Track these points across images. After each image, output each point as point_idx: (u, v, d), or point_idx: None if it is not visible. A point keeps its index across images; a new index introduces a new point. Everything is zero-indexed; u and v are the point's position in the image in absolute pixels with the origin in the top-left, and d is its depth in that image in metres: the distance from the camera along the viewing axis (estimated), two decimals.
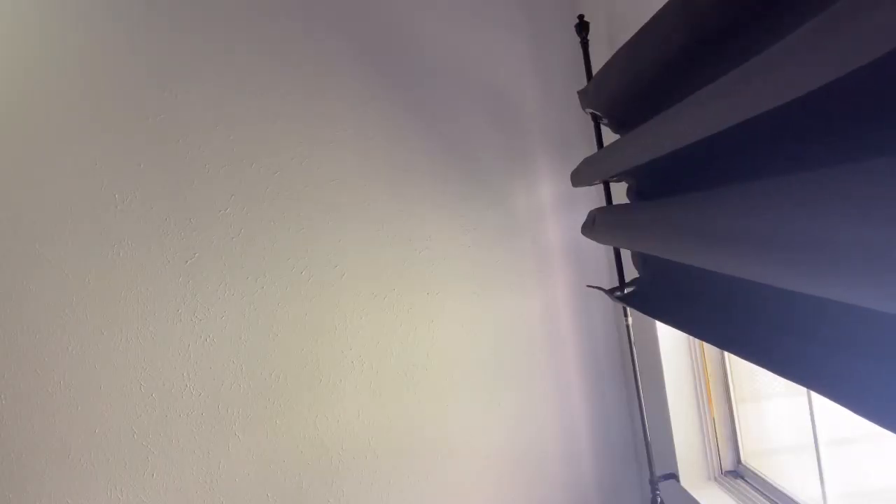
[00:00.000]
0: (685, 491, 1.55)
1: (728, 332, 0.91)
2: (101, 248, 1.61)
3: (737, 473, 1.55)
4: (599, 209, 1.41)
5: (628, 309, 1.56)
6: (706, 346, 1.58)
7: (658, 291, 1.28)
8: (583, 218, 1.54)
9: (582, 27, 1.56)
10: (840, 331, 0.67)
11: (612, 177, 1.36)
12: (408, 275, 1.77)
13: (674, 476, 1.58)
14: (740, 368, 1.54)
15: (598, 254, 1.87)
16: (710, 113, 0.72)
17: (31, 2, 1.59)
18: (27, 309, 1.57)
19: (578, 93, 1.47)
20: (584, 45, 1.58)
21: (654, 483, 1.53)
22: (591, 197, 1.85)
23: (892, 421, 0.54)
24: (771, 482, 1.40)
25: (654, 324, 1.59)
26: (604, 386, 1.87)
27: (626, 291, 1.42)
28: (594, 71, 1.54)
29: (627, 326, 1.57)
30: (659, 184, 1.18)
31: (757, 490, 1.44)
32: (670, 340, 1.59)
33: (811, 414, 1.19)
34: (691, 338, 1.60)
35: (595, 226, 1.38)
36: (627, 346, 1.60)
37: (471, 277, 1.80)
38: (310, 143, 1.72)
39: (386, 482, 1.74)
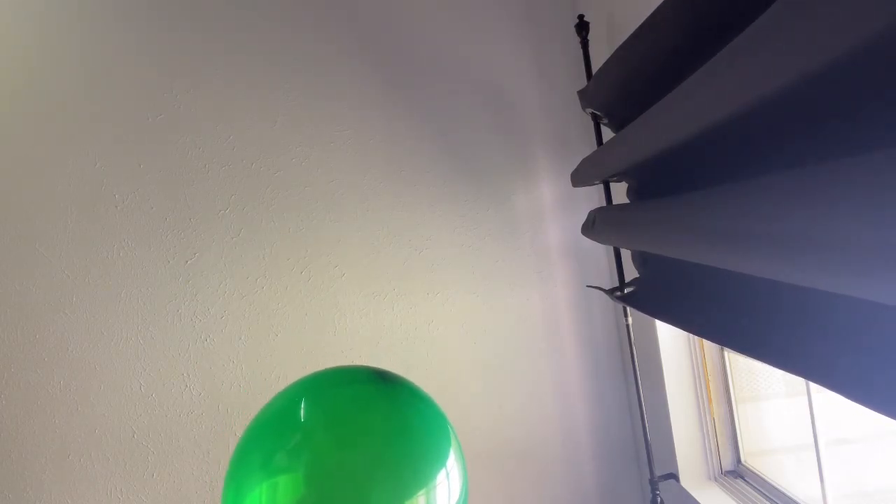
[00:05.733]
0: (685, 491, 1.54)
1: (728, 329, 0.91)
2: (101, 248, 1.61)
3: (737, 473, 1.55)
4: (599, 209, 1.41)
5: (628, 309, 1.56)
6: (706, 345, 1.58)
7: (658, 291, 1.28)
8: (583, 218, 1.54)
9: (582, 27, 1.56)
10: (841, 324, 0.67)
11: (612, 176, 1.36)
12: (408, 275, 1.77)
13: (674, 476, 1.58)
14: (740, 368, 1.54)
15: (598, 254, 1.87)
16: (695, 104, 0.72)
17: (32, 2, 1.59)
18: (27, 309, 1.57)
19: (578, 93, 1.47)
20: (584, 45, 1.58)
21: (654, 483, 1.53)
22: (591, 197, 1.85)
23: (892, 409, 0.54)
24: (771, 482, 1.40)
25: (654, 324, 1.59)
26: (604, 386, 1.87)
27: (626, 291, 1.42)
28: (594, 71, 1.54)
29: (627, 326, 1.57)
30: (658, 183, 1.18)
31: (757, 490, 1.44)
32: (670, 340, 1.59)
33: (811, 414, 1.19)
34: (691, 338, 1.60)
35: (595, 226, 1.38)
36: (627, 346, 1.60)
37: (471, 277, 1.80)
38: (310, 143, 1.72)
39: None
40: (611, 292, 1.44)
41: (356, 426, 0.77)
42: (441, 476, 0.77)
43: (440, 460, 0.79)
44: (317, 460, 0.74)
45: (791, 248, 0.54)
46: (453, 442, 0.84)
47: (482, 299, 1.81)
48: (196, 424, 1.64)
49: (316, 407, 0.81)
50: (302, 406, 0.81)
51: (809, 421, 1.19)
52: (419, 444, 0.80)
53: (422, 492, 0.74)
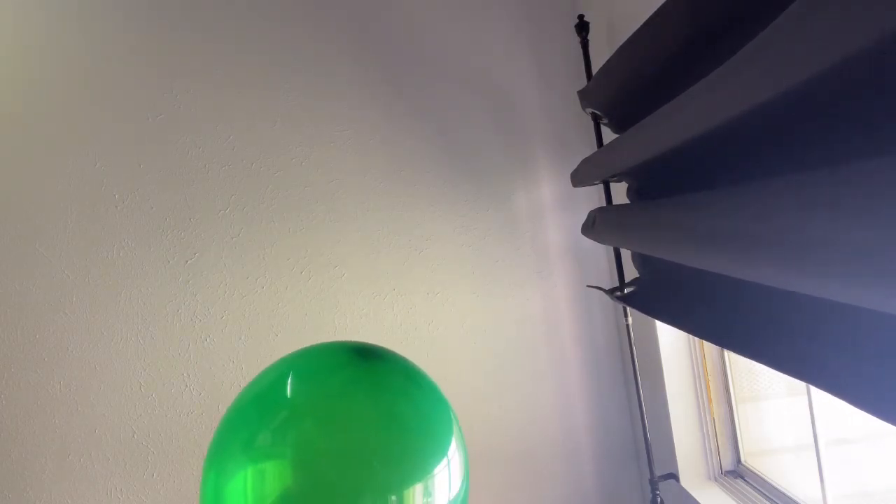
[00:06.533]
0: (685, 491, 1.55)
1: (728, 331, 0.91)
2: (101, 248, 1.61)
3: (737, 473, 1.55)
4: (599, 209, 1.41)
5: (628, 309, 1.56)
6: (706, 345, 1.58)
7: (658, 291, 1.28)
8: (583, 218, 1.54)
9: (582, 27, 1.56)
10: (840, 328, 0.67)
11: (612, 177, 1.36)
12: (408, 275, 1.77)
13: (674, 476, 1.58)
14: (740, 368, 1.54)
15: (598, 254, 1.87)
16: (702, 108, 0.72)
17: (32, 2, 1.59)
18: (27, 309, 1.57)
19: (578, 93, 1.47)
20: (584, 45, 1.58)
21: (654, 483, 1.53)
22: (591, 197, 1.85)
23: (891, 413, 0.54)
24: (771, 482, 1.40)
25: (654, 324, 1.59)
26: (604, 386, 1.87)
27: (625, 291, 1.42)
28: (594, 71, 1.54)
29: (627, 326, 1.57)
30: (659, 184, 1.18)
31: (757, 490, 1.44)
32: (670, 340, 1.59)
33: (811, 414, 1.19)
34: (691, 338, 1.60)
35: (595, 226, 1.38)
36: (627, 346, 1.60)
37: (471, 277, 1.80)
38: (310, 143, 1.72)
39: None
40: (611, 292, 1.44)
41: (337, 417, 0.72)
42: (441, 465, 0.73)
43: (439, 448, 0.74)
44: (302, 449, 0.69)
45: (791, 251, 0.54)
46: (455, 427, 0.79)
47: (482, 299, 1.81)
48: (196, 424, 1.64)
49: (294, 394, 0.75)
50: (279, 391, 0.75)
51: (809, 421, 1.19)
52: (411, 428, 0.74)
53: (419, 483, 0.69)
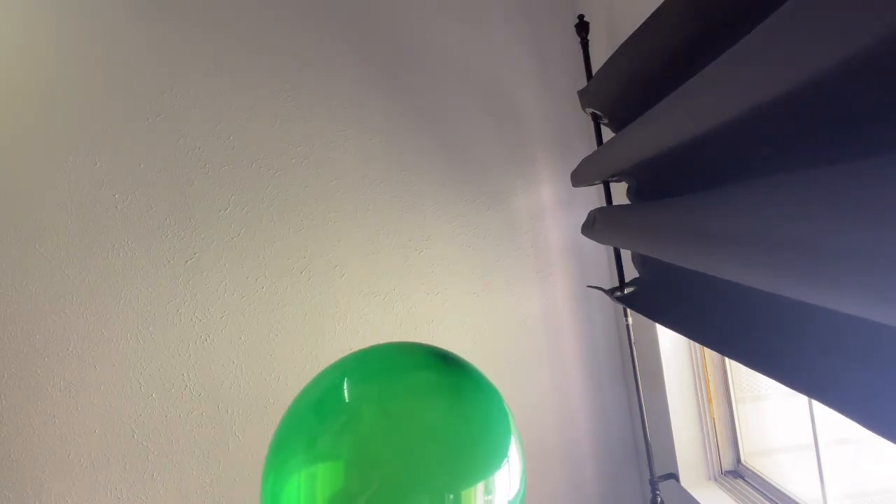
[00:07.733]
0: (685, 491, 1.54)
1: (726, 336, 0.90)
2: (101, 248, 1.61)
3: (737, 473, 1.55)
4: (599, 209, 1.41)
5: (628, 309, 1.56)
6: None
7: (657, 292, 1.28)
8: (583, 218, 1.54)
9: (582, 27, 1.56)
10: (840, 336, 0.67)
11: (612, 176, 1.36)
12: (408, 275, 1.77)
13: (674, 476, 1.58)
14: (740, 368, 1.54)
15: (598, 254, 1.87)
16: (697, 105, 0.72)
17: (31, 3, 1.59)
18: (27, 309, 1.57)
19: (578, 93, 1.47)
20: (584, 45, 1.58)
21: (654, 483, 1.53)
22: (591, 197, 1.85)
23: (890, 430, 0.54)
24: (771, 482, 1.40)
25: (655, 323, 1.59)
26: (604, 386, 1.87)
27: (625, 292, 1.42)
28: (594, 71, 1.54)
29: (627, 326, 1.57)
30: (659, 184, 1.18)
31: (757, 490, 1.44)
32: (670, 340, 1.59)
33: (811, 414, 1.19)
34: None
35: (595, 226, 1.38)
36: (627, 346, 1.60)
37: (471, 277, 1.80)
38: (310, 143, 1.72)
39: None
40: (611, 292, 1.44)
41: (414, 410, 0.75)
42: (503, 466, 0.75)
43: (502, 448, 0.76)
44: (370, 445, 0.70)
45: (788, 255, 0.53)
46: (513, 430, 0.81)
47: (482, 299, 1.81)
48: (196, 424, 1.64)
49: (370, 388, 0.78)
50: (350, 387, 0.78)
51: (809, 421, 1.19)
52: (480, 431, 0.77)
53: (481, 482, 0.72)
